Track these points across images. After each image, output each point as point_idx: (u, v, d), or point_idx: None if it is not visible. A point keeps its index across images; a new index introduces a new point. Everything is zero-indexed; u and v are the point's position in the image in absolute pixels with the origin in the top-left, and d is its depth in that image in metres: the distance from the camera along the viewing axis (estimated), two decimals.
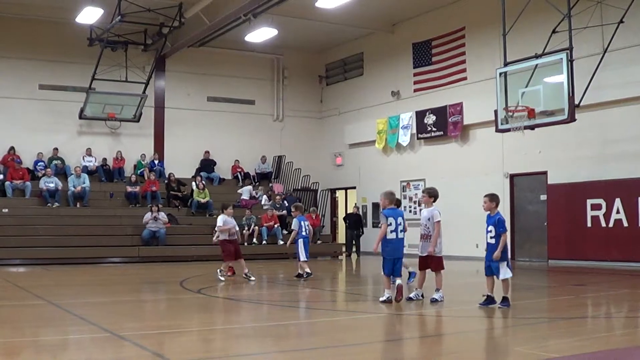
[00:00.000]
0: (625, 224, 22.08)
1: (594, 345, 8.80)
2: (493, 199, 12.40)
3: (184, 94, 33.23)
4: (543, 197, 24.90)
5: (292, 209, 18.92)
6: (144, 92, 30.68)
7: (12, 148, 29.12)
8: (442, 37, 29.02)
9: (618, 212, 22.33)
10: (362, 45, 33.78)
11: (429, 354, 8.72)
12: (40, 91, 30.14)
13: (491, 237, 12.06)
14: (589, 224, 23.11)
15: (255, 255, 25.37)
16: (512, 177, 26.06)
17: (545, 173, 24.73)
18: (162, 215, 26.75)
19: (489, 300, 12.04)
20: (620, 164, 22.39)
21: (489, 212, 12.31)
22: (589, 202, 23.09)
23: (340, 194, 36.10)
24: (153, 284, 18.81)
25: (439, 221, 12.61)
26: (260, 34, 28.91)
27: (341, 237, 34.46)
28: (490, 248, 12.05)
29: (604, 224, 22.68)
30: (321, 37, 33.50)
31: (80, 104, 30.00)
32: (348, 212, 32.96)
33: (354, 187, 34.06)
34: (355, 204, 32.41)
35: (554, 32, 20.72)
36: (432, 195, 12.97)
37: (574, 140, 23.33)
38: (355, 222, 31.07)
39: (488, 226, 12.17)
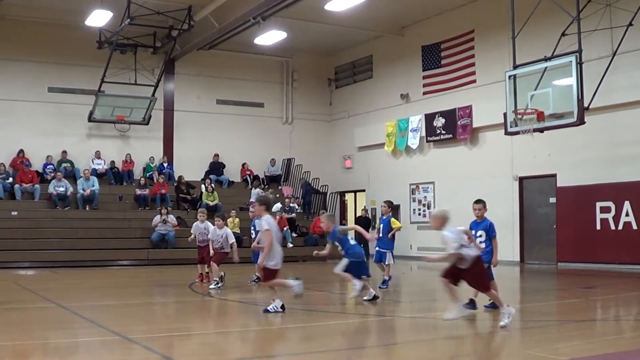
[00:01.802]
0: (635, 227, 22.01)
1: (603, 348, 8.79)
2: (485, 205, 12.44)
3: (193, 97, 33.27)
4: (552, 199, 24.86)
5: (253, 210, 18.66)
6: (153, 94, 30.71)
7: (21, 151, 29.21)
8: (452, 39, 29.00)
9: (627, 214, 22.26)
10: (371, 48, 33.77)
11: (441, 356, 8.71)
12: (50, 94, 30.19)
13: (481, 242, 12.03)
14: (598, 227, 23.05)
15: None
16: (522, 179, 26.02)
17: (554, 176, 24.69)
18: (171, 218, 26.78)
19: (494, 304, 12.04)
20: (630, 166, 22.32)
21: (476, 218, 12.36)
22: (598, 204, 23.03)
23: (349, 197, 36.07)
24: (162, 286, 18.83)
25: (266, 230, 11.72)
26: (270, 37, 28.95)
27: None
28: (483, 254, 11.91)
29: (613, 227, 22.62)
30: (330, 40, 33.50)
31: (89, 107, 30.05)
32: (357, 215, 32.92)
33: (364, 190, 34.05)
34: (365, 206, 32.35)
35: (563, 34, 20.67)
36: (263, 203, 12.23)
37: (583, 143, 23.28)
38: (364, 225, 31.01)
39: (477, 232, 12.16)
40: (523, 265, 25.32)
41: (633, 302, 14.49)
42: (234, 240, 17.12)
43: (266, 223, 11.74)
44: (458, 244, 10.17)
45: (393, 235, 16.73)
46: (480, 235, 12.10)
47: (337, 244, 13.75)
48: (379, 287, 15.91)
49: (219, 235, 16.95)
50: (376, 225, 17.52)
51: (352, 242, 13.89)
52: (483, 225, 12.20)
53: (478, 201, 12.50)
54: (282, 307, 11.70)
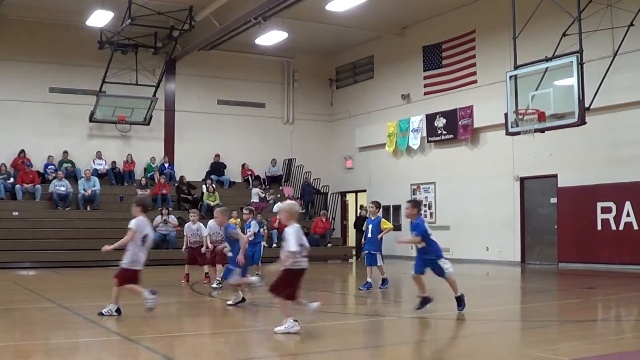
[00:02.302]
0: (636, 227, 22.01)
1: (604, 348, 8.79)
2: (416, 205, 12.13)
3: (194, 97, 33.27)
4: (553, 200, 24.86)
5: (246, 212, 18.36)
6: (154, 95, 30.71)
7: (22, 151, 29.22)
8: (453, 40, 28.99)
9: (628, 215, 22.25)
10: (372, 48, 33.77)
11: (441, 356, 8.71)
12: (51, 94, 30.19)
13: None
14: (599, 227, 23.05)
15: (266, 258, 25.33)
16: (523, 180, 26.02)
17: (555, 176, 24.68)
18: (172, 219, 26.75)
19: (425, 300, 11.80)
20: (631, 167, 22.32)
21: (410, 218, 12.01)
22: (599, 205, 23.03)
23: (350, 197, 36.08)
24: (163, 287, 18.79)
25: (130, 229, 11.74)
26: (271, 37, 28.95)
27: (352, 240, 34.45)
28: (426, 250, 11.81)
29: (614, 227, 22.62)
30: (331, 40, 33.49)
31: (90, 107, 30.07)
32: (357, 215, 32.90)
33: (364, 190, 34.03)
34: (364, 206, 32.23)
35: (564, 35, 20.66)
36: (139, 204, 12.10)
37: (584, 143, 23.27)
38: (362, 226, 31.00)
39: (413, 232, 11.93)
40: (524, 265, 25.32)
41: (634, 303, 14.49)
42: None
43: (134, 224, 11.64)
44: (299, 244, 9.84)
45: (382, 237, 16.43)
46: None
47: (226, 244, 13.34)
48: (379, 288, 15.86)
49: (219, 228, 16.60)
50: (363, 227, 17.11)
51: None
52: (414, 225, 11.89)
53: (408, 201, 12.32)
54: (118, 310, 11.36)
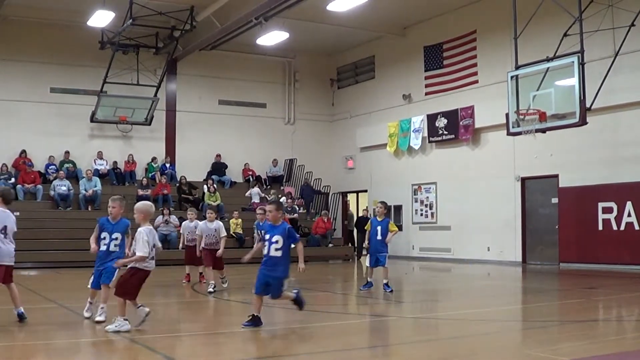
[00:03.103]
0: (637, 227, 22.01)
1: (605, 348, 8.79)
2: (280, 207, 11.10)
3: (196, 97, 33.27)
4: (554, 200, 24.85)
5: (260, 212, 17.59)
6: (155, 95, 30.70)
7: (23, 151, 29.23)
8: (454, 40, 28.98)
9: (629, 215, 22.26)
10: (373, 48, 33.77)
11: (441, 356, 8.71)
12: (52, 94, 30.19)
13: (276, 249, 10.49)
14: (600, 227, 23.05)
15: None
16: (524, 180, 26.01)
17: (556, 176, 24.67)
18: (174, 219, 26.75)
19: (255, 320, 10.38)
20: (632, 167, 22.32)
21: (273, 222, 10.83)
22: (600, 205, 23.03)
23: (351, 197, 36.07)
24: (164, 287, 18.83)
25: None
26: (272, 37, 28.94)
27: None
28: (276, 261, 10.46)
29: (615, 227, 22.62)
30: (332, 41, 33.49)
31: (91, 107, 30.06)
32: (359, 215, 32.88)
33: (365, 191, 34.02)
34: (367, 207, 32.24)
35: (565, 35, 20.67)
36: (3, 198, 11.63)
37: (586, 143, 23.28)
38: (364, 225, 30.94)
39: (272, 237, 10.57)
40: (525, 265, 25.31)
41: (635, 303, 14.49)
42: (225, 234, 16.50)
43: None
44: (152, 246, 9.89)
45: (389, 239, 15.77)
46: (276, 241, 10.53)
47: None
48: (385, 291, 15.49)
49: (211, 230, 16.25)
50: (366, 227, 16.61)
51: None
52: (279, 229, 10.72)
53: (270, 202, 11.58)
54: None
